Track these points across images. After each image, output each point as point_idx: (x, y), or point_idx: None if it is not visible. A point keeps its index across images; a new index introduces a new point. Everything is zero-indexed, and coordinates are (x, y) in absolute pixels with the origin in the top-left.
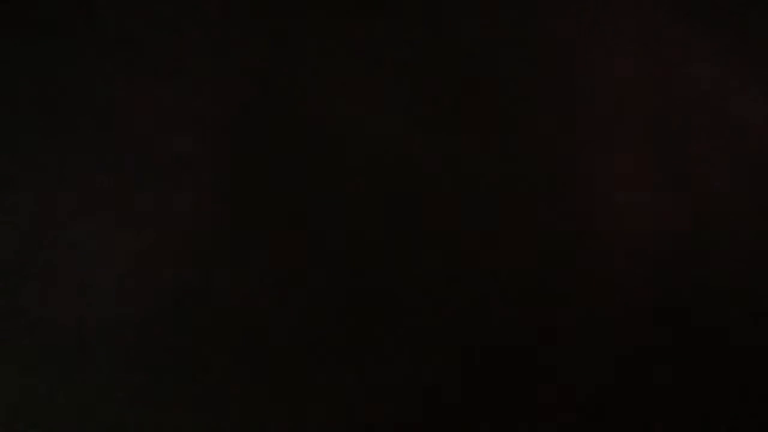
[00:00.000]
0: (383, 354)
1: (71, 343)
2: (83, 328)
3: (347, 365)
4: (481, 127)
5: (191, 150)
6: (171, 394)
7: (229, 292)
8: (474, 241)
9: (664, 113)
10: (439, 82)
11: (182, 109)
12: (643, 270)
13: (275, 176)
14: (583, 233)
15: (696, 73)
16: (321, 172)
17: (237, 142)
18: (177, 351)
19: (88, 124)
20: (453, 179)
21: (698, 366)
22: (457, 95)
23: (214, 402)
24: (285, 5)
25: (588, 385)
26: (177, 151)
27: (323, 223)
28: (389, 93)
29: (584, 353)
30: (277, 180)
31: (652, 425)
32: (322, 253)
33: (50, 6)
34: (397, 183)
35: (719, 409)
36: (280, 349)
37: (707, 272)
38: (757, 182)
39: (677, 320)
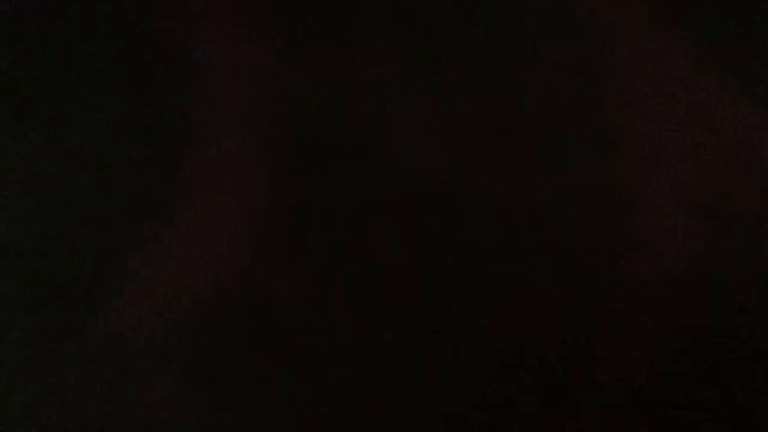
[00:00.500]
0: (429, 357)
1: (118, 352)
2: (127, 336)
3: (393, 368)
4: (527, 158)
5: (240, 159)
6: (215, 400)
7: (273, 300)
8: (514, 264)
9: (701, 153)
10: (491, 114)
11: (236, 119)
12: (675, 291)
13: (323, 187)
14: (621, 256)
15: (728, 114)
16: (370, 194)
17: (290, 154)
18: (219, 356)
19: (140, 131)
20: (496, 204)
21: (736, 387)
22: (506, 126)
23: (259, 408)
24: (341, 30)
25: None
26: (226, 158)
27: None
28: (440, 122)
29: (622, 368)
30: (323, 190)
31: None
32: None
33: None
34: (442, 207)
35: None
36: (323, 353)
37: (740, 294)
38: None
39: (710, 341)
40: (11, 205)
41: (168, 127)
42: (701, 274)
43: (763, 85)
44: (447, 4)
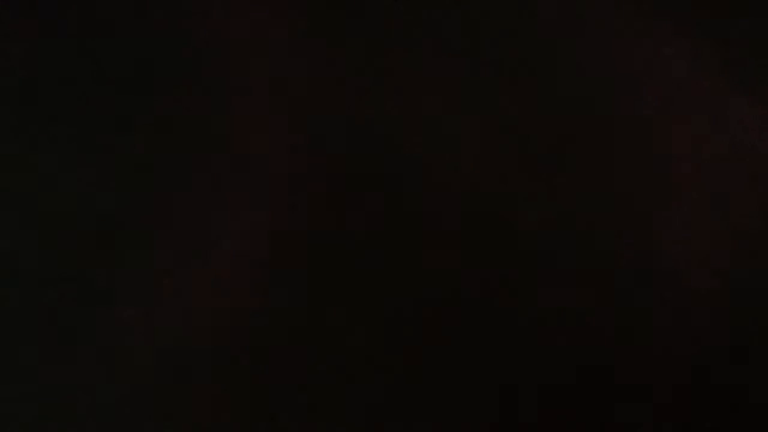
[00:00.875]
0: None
1: (146, 361)
2: (157, 347)
3: (422, 386)
4: (560, 176)
5: (272, 173)
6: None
7: (307, 314)
8: (553, 285)
9: (731, 179)
10: (533, 128)
11: (269, 130)
12: (704, 309)
13: (358, 203)
14: (657, 272)
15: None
16: (408, 211)
17: (326, 169)
18: (254, 371)
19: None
20: (534, 223)
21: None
22: (545, 142)
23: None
24: (385, 41)
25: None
26: (256, 169)
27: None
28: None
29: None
30: (358, 207)
31: None
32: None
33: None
34: (484, 225)
35: None
36: (357, 371)
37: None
38: None
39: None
40: (23, 215)
41: (196, 134)
42: (729, 291)
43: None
44: (493, 18)
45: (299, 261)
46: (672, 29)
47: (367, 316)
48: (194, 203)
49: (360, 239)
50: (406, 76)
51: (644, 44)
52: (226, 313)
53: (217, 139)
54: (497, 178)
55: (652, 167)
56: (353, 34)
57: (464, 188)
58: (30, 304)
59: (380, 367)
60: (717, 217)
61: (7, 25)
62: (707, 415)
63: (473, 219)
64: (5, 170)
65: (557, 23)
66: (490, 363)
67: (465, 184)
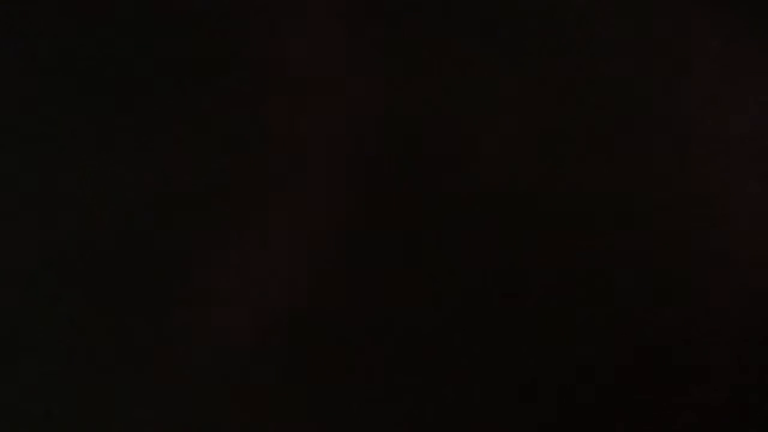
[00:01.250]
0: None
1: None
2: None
3: (462, 382)
4: (610, 165)
5: (319, 166)
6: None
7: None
8: (593, 273)
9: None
10: (576, 121)
11: (317, 125)
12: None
13: (405, 196)
14: (702, 267)
15: None
16: (453, 204)
17: (372, 163)
18: (290, 373)
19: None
20: (579, 213)
21: None
22: (592, 133)
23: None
24: (430, 34)
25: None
26: (305, 166)
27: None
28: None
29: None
30: (405, 200)
31: None
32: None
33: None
34: (518, 216)
35: None
36: (402, 370)
37: None
38: None
39: None
40: (85, 208)
41: (245, 131)
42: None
43: None
44: (535, 10)
45: (342, 257)
46: (709, 11)
47: (412, 310)
48: (234, 200)
49: (397, 233)
50: (443, 64)
51: (681, 31)
52: (283, 312)
53: (275, 138)
54: (535, 171)
55: (688, 151)
56: (392, 23)
57: (502, 180)
58: (81, 305)
59: (432, 366)
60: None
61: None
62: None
63: (510, 211)
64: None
65: (592, 11)
66: (530, 353)
67: (503, 176)
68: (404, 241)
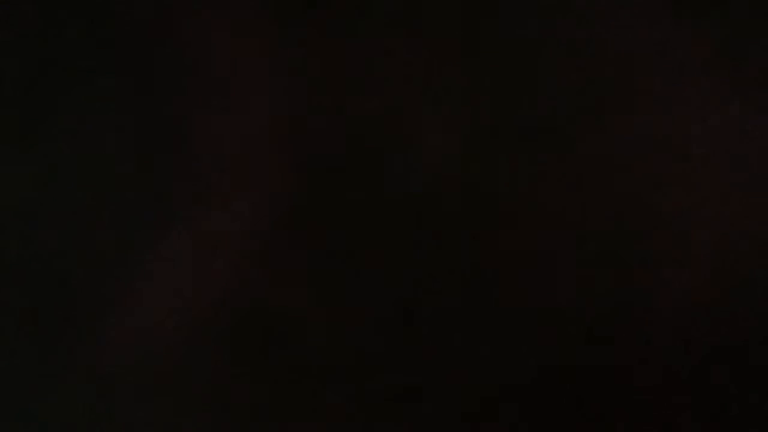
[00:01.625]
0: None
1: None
2: (146, 346)
3: (414, 385)
4: (550, 157)
5: (249, 159)
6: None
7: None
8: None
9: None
10: (511, 110)
11: (245, 117)
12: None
13: (335, 188)
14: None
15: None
16: (387, 196)
17: (302, 154)
18: (225, 371)
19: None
20: (517, 207)
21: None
22: (527, 123)
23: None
24: (356, 22)
25: None
26: (234, 158)
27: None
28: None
29: None
30: (336, 192)
31: None
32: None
33: None
34: (461, 207)
35: None
36: (336, 367)
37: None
38: None
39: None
40: (13, 211)
41: (172, 129)
42: (729, 302)
43: None
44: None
45: (289, 254)
46: (670, 12)
47: (347, 306)
48: (179, 200)
49: (345, 232)
50: (389, 61)
51: (640, 26)
52: (220, 305)
53: (200, 136)
54: (489, 164)
55: (650, 151)
56: (332, 25)
57: (447, 170)
58: (27, 299)
59: (380, 360)
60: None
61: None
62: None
63: (456, 201)
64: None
65: (552, 5)
66: (487, 358)
67: (455, 170)
68: (343, 240)
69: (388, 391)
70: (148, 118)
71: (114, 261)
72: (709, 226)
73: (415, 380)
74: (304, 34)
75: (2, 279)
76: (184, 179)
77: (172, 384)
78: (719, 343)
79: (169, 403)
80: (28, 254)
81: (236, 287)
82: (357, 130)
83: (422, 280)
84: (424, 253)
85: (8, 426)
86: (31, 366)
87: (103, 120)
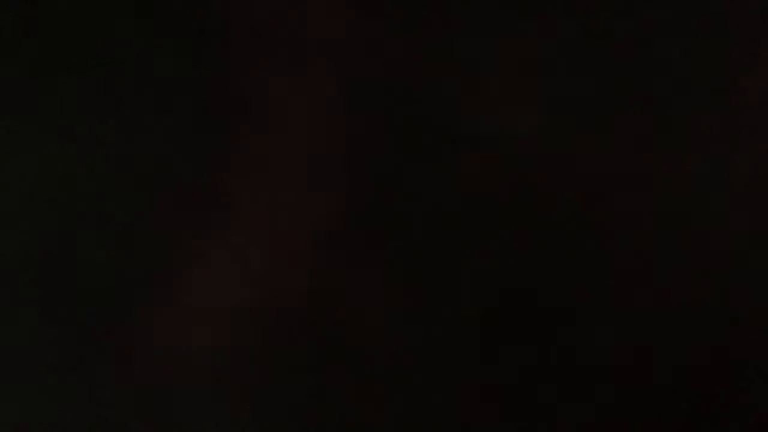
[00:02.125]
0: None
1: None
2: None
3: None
4: (626, 138)
5: (306, 145)
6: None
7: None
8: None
9: None
10: (584, 92)
11: (302, 100)
12: None
13: (405, 185)
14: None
15: None
16: (456, 182)
17: (371, 147)
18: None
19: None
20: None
21: None
22: (604, 105)
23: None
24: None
25: None
26: (288, 144)
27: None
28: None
29: None
30: (405, 190)
31: None
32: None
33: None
34: (546, 196)
35: None
36: (398, 372)
37: None
38: None
39: None
40: (40, 203)
41: (220, 111)
42: None
43: None
44: None
45: (357, 252)
46: None
47: (415, 305)
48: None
49: (418, 227)
50: (447, 42)
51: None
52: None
53: (257, 124)
54: (548, 148)
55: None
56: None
57: (532, 164)
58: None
59: (433, 368)
60: None
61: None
62: None
63: (542, 199)
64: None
65: None
66: (536, 344)
67: (532, 159)
68: (398, 229)
69: (467, 395)
70: (200, 108)
71: (161, 257)
72: None
73: (496, 382)
74: (380, 13)
75: (42, 272)
76: (241, 173)
77: (218, 384)
78: None
79: (223, 400)
80: (69, 247)
81: (297, 286)
82: (430, 112)
83: (503, 278)
84: (505, 247)
85: (48, 408)
86: (72, 357)
87: (150, 113)
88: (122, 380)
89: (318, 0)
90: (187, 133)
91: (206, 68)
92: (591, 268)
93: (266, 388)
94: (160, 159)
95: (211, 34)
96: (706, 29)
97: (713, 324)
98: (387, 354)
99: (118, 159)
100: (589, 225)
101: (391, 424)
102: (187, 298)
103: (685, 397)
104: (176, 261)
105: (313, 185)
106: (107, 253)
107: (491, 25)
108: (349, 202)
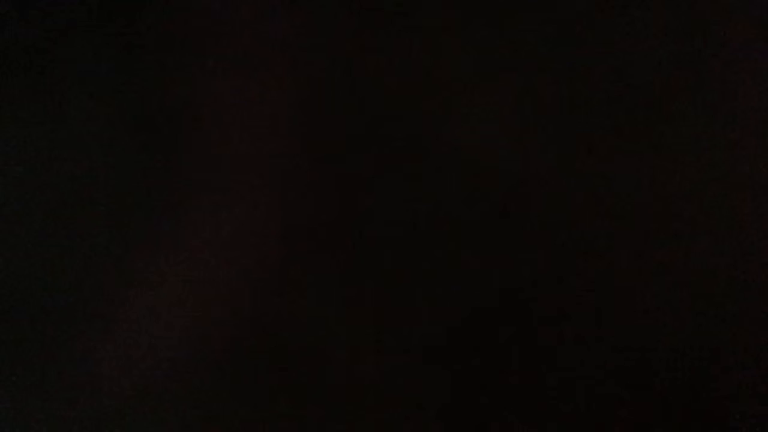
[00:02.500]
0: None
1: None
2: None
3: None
4: (599, 148)
5: (264, 157)
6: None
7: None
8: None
9: None
10: (557, 101)
11: (260, 109)
12: None
13: (364, 185)
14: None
15: None
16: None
17: (330, 159)
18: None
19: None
20: (570, 202)
21: None
22: (576, 114)
23: None
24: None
25: None
26: (246, 157)
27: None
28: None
29: None
30: (364, 189)
31: None
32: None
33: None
34: (532, 214)
35: None
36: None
37: None
38: None
39: None
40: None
41: (172, 121)
42: None
43: None
44: None
45: (307, 264)
46: None
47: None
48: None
49: (372, 222)
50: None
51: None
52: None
53: (210, 126)
54: (516, 152)
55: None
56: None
57: (490, 165)
58: (31, 299)
59: (383, 384)
60: None
61: None
62: None
63: (502, 212)
64: None
65: None
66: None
67: (482, 166)
68: (367, 231)
69: (406, 414)
70: (151, 106)
71: (108, 270)
72: None
73: (438, 402)
74: (333, 14)
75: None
76: (192, 180)
77: (172, 401)
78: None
79: (170, 419)
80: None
81: (245, 300)
82: (392, 119)
83: (455, 294)
84: (456, 261)
85: None
86: (24, 378)
87: (102, 111)
88: (58, 409)
89: (275, 7)
90: (129, 144)
91: (149, 75)
92: (570, 287)
93: (214, 419)
94: (97, 173)
95: (156, 39)
96: (681, 35)
97: (708, 327)
98: (350, 382)
99: (50, 171)
100: (566, 244)
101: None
102: (125, 325)
103: (679, 399)
104: (115, 283)
105: (269, 201)
106: (42, 273)
107: (459, 30)
108: (309, 220)
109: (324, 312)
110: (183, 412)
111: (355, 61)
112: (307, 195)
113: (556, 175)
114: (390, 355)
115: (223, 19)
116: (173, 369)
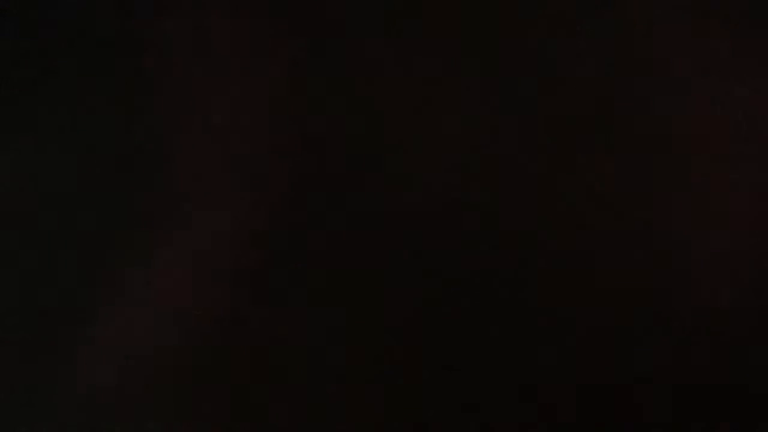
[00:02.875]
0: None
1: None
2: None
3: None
4: (554, 166)
5: (236, 175)
6: None
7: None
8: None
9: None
10: (515, 120)
11: (229, 128)
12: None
13: (329, 203)
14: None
15: None
16: (382, 212)
17: (292, 169)
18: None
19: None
20: (523, 220)
21: None
22: (533, 132)
23: None
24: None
25: None
26: (219, 173)
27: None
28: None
29: None
30: (329, 207)
31: None
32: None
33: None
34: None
35: None
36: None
37: None
38: None
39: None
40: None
41: (153, 130)
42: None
43: None
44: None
45: (270, 262)
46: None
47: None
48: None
49: (343, 238)
50: (389, 69)
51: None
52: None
53: (192, 137)
54: (488, 172)
55: (661, 157)
56: (336, 22)
57: (453, 182)
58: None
59: (358, 394)
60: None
61: None
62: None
63: (467, 221)
64: None
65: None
66: (474, 382)
67: (454, 177)
68: (340, 245)
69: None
70: (134, 116)
71: (90, 279)
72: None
73: (405, 407)
74: (304, 31)
75: None
76: (168, 189)
77: (153, 402)
78: None
79: (150, 420)
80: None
81: (218, 304)
82: (359, 133)
83: (424, 299)
84: (425, 269)
85: None
86: (12, 378)
87: (86, 118)
88: (42, 419)
89: (240, 21)
90: (109, 154)
91: (129, 85)
92: (527, 298)
93: (196, 425)
94: (78, 182)
95: (138, 49)
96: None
97: (698, 331)
98: (311, 386)
99: (49, 174)
100: (521, 263)
101: None
102: (108, 332)
103: (665, 403)
104: (96, 292)
105: (248, 208)
106: (23, 282)
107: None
108: (271, 235)
109: (308, 319)
110: (165, 418)
111: (331, 84)
112: (284, 201)
113: (528, 175)
114: (373, 362)
115: (201, 30)
116: (156, 375)
